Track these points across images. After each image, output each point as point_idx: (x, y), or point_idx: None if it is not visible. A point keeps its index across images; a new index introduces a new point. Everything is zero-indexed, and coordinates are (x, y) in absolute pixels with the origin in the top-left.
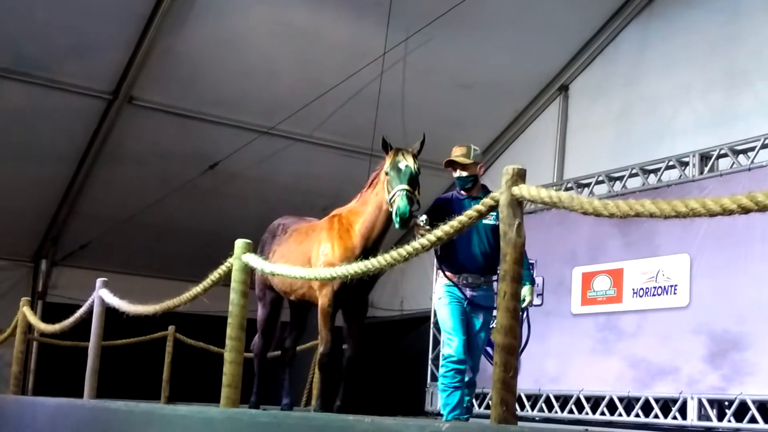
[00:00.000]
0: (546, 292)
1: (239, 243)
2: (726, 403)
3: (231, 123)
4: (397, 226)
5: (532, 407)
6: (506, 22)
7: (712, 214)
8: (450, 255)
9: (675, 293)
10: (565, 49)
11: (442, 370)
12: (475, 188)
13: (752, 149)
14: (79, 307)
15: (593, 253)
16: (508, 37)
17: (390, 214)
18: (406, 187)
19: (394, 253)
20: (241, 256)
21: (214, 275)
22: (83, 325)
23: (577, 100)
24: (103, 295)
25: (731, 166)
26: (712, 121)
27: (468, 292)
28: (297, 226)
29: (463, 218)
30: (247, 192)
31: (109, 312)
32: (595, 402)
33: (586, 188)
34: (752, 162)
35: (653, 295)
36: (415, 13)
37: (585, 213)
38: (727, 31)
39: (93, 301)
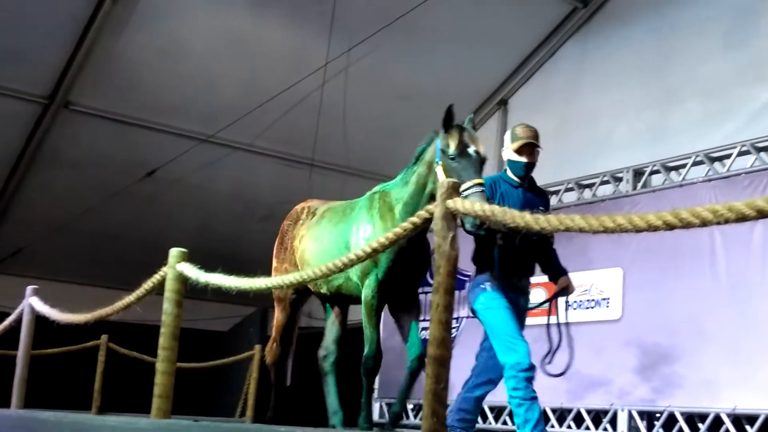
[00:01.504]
0: None
1: (174, 252)
2: (656, 415)
3: (170, 130)
4: (470, 227)
5: None
6: (448, 35)
7: (638, 230)
8: (494, 257)
9: (608, 306)
10: (505, 64)
11: (512, 383)
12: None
13: (683, 166)
14: (9, 315)
15: None
16: (450, 51)
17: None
18: (481, 181)
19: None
20: (175, 265)
21: (148, 284)
22: (12, 334)
23: (516, 115)
24: (33, 302)
25: (663, 183)
26: (647, 137)
27: (510, 296)
28: (330, 205)
29: (398, 230)
30: (186, 199)
31: (41, 320)
32: None
33: None
34: (683, 179)
35: (587, 308)
36: (358, 24)
37: (516, 227)
38: (660, 49)
39: (23, 309)
